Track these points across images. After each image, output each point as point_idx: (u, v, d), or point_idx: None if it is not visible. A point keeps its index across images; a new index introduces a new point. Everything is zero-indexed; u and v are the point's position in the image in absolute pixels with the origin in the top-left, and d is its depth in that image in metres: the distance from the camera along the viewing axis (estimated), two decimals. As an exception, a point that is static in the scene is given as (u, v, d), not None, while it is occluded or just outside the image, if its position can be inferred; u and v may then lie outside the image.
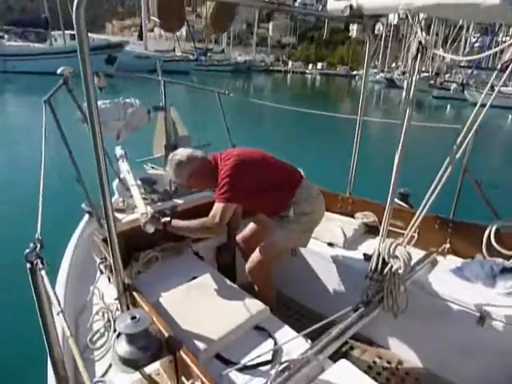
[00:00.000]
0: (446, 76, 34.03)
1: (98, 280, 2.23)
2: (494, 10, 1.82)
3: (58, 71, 2.36)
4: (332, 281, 2.63)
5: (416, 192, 3.03)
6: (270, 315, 2.01)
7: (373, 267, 2.07)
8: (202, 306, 2.00)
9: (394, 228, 2.41)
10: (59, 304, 1.36)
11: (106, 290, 2.17)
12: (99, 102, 2.67)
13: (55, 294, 1.40)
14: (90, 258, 2.34)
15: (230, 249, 2.78)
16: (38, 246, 1.44)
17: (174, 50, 44.50)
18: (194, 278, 2.25)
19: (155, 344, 1.48)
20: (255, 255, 2.35)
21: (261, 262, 2.33)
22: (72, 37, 34.56)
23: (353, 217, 2.89)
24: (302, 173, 2.40)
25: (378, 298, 2.04)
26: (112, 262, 1.71)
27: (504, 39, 33.10)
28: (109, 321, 1.98)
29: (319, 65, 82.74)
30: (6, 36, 34.92)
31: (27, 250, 1.40)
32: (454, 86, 29.49)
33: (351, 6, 2.29)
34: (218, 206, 2.12)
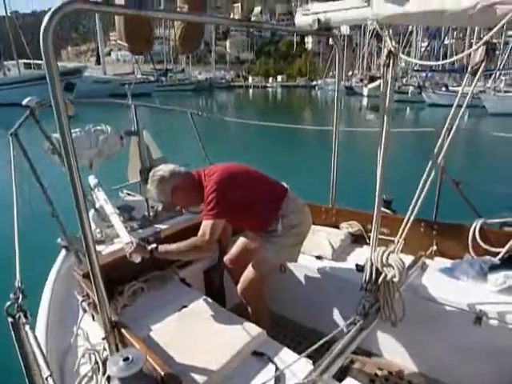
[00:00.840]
0: (404, 80, 35.31)
1: (82, 319, 2.09)
2: (459, 16, 1.86)
3: (24, 102, 2.25)
4: (324, 295, 2.59)
5: (395, 197, 3.07)
6: (267, 338, 1.94)
7: (367, 278, 2.03)
8: (196, 336, 1.91)
9: (380, 235, 2.41)
10: (48, 367, 1.23)
11: (90, 330, 2.03)
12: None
13: (43, 354, 1.26)
14: (71, 296, 2.21)
15: (219, 271, 2.70)
16: (20, 296, 1.30)
17: (133, 73, 44.14)
18: (184, 306, 2.16)
19: None
20: (246, 274, 2.29)
21: (252, 280, 2.26)
22: (26, 66, 33.74)
23: (338, 227, 2.87)
24: (286, 186, 2.37)
25: (375, 308, 2.01)
26: (96, 298, 1.61)
27: (449, 42, 35.14)
28: (96, 363, 1.84)
29: (279, 78, 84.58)
30: (-47, 70, 33.62)
31: (8, 303, 1.27)
32: (411, 89, 30.70)
33: (319, 20, 2.32)
34: (206, 223, 2.05)
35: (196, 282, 2.57)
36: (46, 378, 1.24)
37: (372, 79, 40.49)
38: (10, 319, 1.24)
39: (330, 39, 2.60)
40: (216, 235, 2.07)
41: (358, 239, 2.81)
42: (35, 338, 1.27)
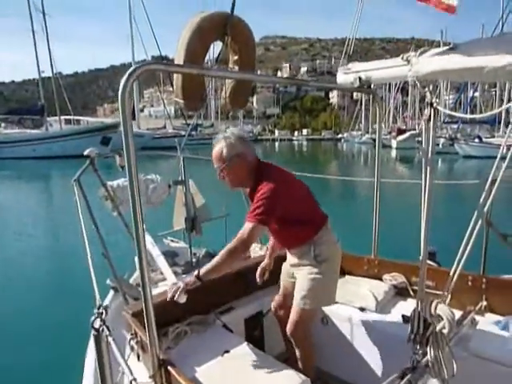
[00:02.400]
0: (433, 132, 35.43)
1: (128, 358, 2.10)
2: (498, 72, 1.94)
3: (85, 152, 2.45)
4: (368, 348, 2.51)
5: (438, 249, 3.01)
6: None
7: (414, 329, 1.98)
8: (240, 382, 1.89)
9: (425, 288, 2.35)
10: (131, 372, 1.30)
11: (135, 369, 2.05)
12: (122, 180, 2.74)
13: (125, 361, 1.34)
14: (118, 335, 2.25)
15: (260, 320, 2.69)
16: (103, 312, 1.40)
17: (165, 127, 46.29)
18: (226, 351, 2.14)
19: None
20: (292, 317, 2.29)
21: (297, 322, 2.26)
22: (67, 121, 36.09)
23: (380, 279, 2.82)
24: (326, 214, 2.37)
25: (424, 362, 1.93)
26: (146, 335, 1.65)
27: (478, 94, 35.49)
28: None
29: (304, 131, 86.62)
30: (2, 124, 36.37)
31: (93, 317, 1.36)
32: (442, 140, 30.41)
33: (360, 78, 2.46)
34: (248, 225, 2.02)
35: (237, 328, 2.55)
36: (131, 382, 1.36)
37: (400, 132, 40.65)
38: (93, 332, 1.32)
39: (354, 94, 2.72)
40: (254, 239, 2.08)
41: (401, 292, 2.74)
42: (118, 348, 1.35)
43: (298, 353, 2.33)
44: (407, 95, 53.29)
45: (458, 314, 2.31)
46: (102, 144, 27.46)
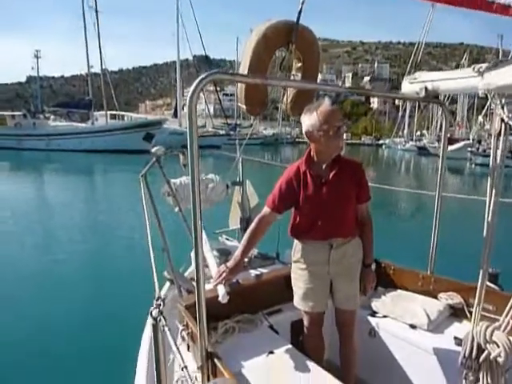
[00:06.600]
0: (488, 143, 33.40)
1: (179, 347, 2.18)
2: None
3: (153, 150, 2.55)
4: (414, 366, 2.43)
5: (502, 270, 2.85)
6: None
7: (466, 353, 1.88)
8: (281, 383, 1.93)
9: (484, 312, 2.24)
10: (182, 360, 1.45)
11: (185, 358, 2.12)
12: (183, 178, 2.82)
13: (178, 349, 1.47)
14: (171, 325, 2.34)
15: None
16: (161, 303, 1.47)
17: (205, 126, 47.05)
18: (271, 352, 2.16)
19: None
20: None
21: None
22: (112, 116, 37.37)
23: (435, 297, 2.71)
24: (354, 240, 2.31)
25: (474, 389, 1.84)
26: (198, 328, 1.71)
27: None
28: None
29: (343, 135, 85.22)
30: (51, 117, 38.19)
31: (152, 307, 1.44)
32: (499, 153, 28.71)
33: (426, 88, 2.40)
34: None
35: (283, 330, 2.56)
36: (182, 369, 1.47)
37: (451, 140, 39.00)
38: (151, 321, 1.40)
39: (397, 100, 2.62)
40: (265, 217, 2.28)
41: (457, 313, 2.61)
42: (172, 336, 1.51)
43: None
44: (455, 103, 51.39)
45: None
46: (145, 140, 28.15)
